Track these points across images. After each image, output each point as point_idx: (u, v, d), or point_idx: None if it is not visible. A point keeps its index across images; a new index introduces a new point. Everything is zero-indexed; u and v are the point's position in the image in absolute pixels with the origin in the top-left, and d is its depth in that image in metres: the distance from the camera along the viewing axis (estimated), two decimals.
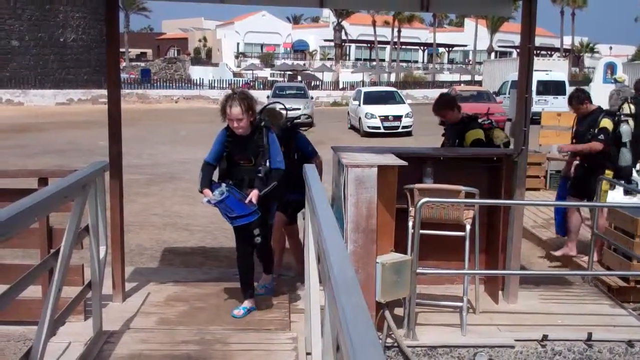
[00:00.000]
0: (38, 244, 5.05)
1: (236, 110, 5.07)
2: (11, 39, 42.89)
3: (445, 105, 6.83)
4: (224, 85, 44.66)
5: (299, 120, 7.12)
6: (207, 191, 5.20)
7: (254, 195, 5.10)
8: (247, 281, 5.51)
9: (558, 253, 7.47)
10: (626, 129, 6.97)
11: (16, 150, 18.14)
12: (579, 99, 7.12)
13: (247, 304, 5.46)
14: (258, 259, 5.66)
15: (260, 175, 5.19)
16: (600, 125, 6.83)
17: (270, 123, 5.40)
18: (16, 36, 42.98)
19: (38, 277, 4.27)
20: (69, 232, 4.13)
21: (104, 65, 6.35)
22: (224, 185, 5.19)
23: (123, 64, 59.84)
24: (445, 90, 26.62)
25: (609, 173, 6.82)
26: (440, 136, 7.10)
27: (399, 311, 5.26)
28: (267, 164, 5.20)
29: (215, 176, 5.36)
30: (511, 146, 6.34)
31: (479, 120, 6.70)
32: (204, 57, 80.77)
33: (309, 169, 4.71)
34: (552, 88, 28.39)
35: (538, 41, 5.59)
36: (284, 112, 6.44)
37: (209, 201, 5.15)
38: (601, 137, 6.79)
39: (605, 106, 16.03)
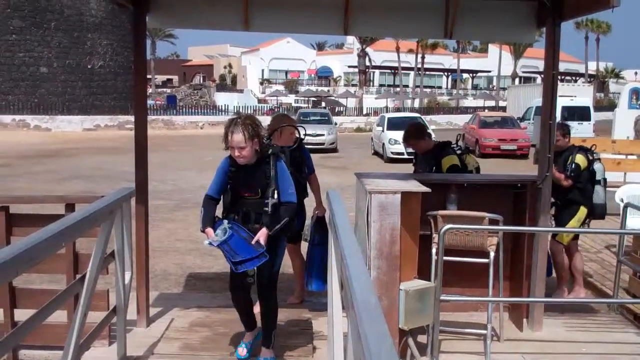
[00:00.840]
0: (64, 269, 5.11)
1: (238, 137, 4.54)
2: (40, 66, 43.64)
3: (415, 134, 6.84)
4: (249, 112, 44.99)
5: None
6: (209, 231, 4.65)
7: (262, 235, 4.59)
8: (247, 316, 5.15)
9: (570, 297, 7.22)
10: (599, 167, 6.84)
11: (44, 176, 18.38)
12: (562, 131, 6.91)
13: (248, 337, 5.18)
14: (261, 313, 5.10)
15: (267, 209, 4.66)
16: (574, 161, 6.68)
17: (278, 149, 4.91)
18: (45, 63, 43.72)
19: (64, 302, 4.32)
20: (95, 257, 4.18)
21: (131, 92, 6.45)
22: (226, 222, 4.66)
23: (149, 90, 60.54)
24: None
25: (582, 210, 6.66)
26: (412, 165, 7.13)
27: (422, 338, 5.23)
28: (276, 196, 4.68)
29: (220, 211, 4.90)
30: (482, 171, 6.71)
31: (452, 146, 6.64)
32: (230, 84, 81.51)
33: (333, 194, 4.72)
34: (576, 114, 28.20)
35: (562, 67, 5.56)
36: (296, 134, 6.19)
37: (210, 243, 4.62)
38: (572, 174, 6.63)
39: (631, 132, 15.94)
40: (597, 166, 6.79)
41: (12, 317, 5.12)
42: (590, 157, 6.76)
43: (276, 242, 4.79)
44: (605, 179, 6.88)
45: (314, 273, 6.15)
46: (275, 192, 4.67)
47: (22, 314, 4.95)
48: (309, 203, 6.31)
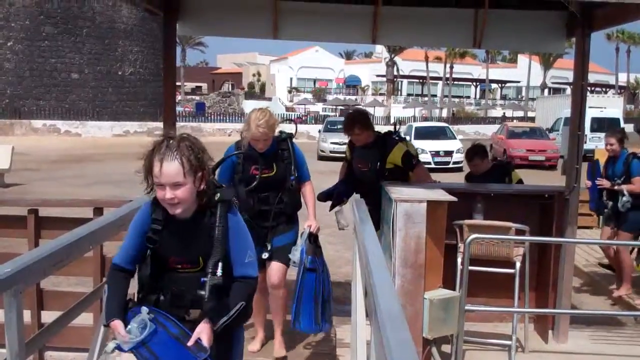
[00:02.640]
0: (91, 271, 5.17)
1: (172, 168, 2.73)
2: (71, 72, 44.26)
3: (363, 122, 5.96)
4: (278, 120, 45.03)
5: (340, 148, 7.17)
6: (116, 325, 2.85)
7: (203, 331, 2.80)
8: None
9: (618, 294, 7.30)
10: None
11: (73, 180, 18.61)
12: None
13: None
14: None
15: (204, 293, 2.80)
16: None
17: (232, 195, 3.00)
18: (76, 69, 44.35)
19: (90, 305, 4.37)
20: None
21: (160, 98, 6.51)
22: (145, 311, 2.85)
23: (179, 97, 61.08)
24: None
25: None
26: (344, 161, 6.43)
27: (446, 348, 5.21)
28: (220, 271, 2.81)
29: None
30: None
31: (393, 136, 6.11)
32: (258, 92, 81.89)
33: (357, 201, 4.73)
34: (606, 125, 27.89)
35: (592, 78, 5.53)
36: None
37: (118, 347, 2.84)
38: None
39: None
40: None
41: (39, 318, 5.19)
42: None
43: (227, 339, 2.99)
44: None
45: (304, 307, 4.89)
46: (220, 264, 2.82)
47: (48, 316, 5.02)
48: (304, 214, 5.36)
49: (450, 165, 24.45)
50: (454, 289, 5.17)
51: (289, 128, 5.36)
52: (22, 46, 42.62)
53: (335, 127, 30.35)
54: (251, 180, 4.83)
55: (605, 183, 7.16)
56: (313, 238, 5.03)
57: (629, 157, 7.06)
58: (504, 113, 59.98)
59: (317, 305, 4.91)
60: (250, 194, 4.81)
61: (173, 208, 2.80)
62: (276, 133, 5.00)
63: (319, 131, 29.70)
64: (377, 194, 5.63)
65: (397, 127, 6.70)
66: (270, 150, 4.95)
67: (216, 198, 2.89)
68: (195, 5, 5.82)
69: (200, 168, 2.81)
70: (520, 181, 6.52)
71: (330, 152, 27.10)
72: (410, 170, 5.87)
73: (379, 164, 5.83)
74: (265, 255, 4.99)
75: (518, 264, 5.25)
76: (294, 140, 5.21)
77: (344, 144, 30.49)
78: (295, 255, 4.94)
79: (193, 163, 2.77)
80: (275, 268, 5.08)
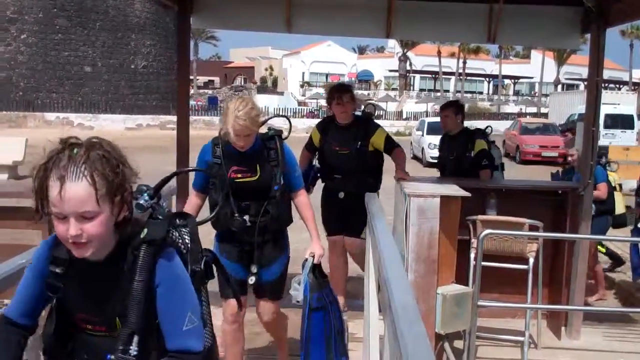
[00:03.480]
0: None
1: (77, 190, 1.86)
2: (84, 65, 44.43)
3: (351, 92, 5.90)
4: (289, 114, 45.13)
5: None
6: None
7: None
8: None
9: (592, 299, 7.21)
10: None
11: None
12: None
13: None
14: None
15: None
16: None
17: (162, 233, 2.04)
18: (89, 62, 44.52)
19: None
20: None
21: (173, 92, 6.54)
22: None
23: (191, 91, 61.19)
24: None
25: None
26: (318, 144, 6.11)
27: (458, 344, 5.20)
28: (134, 345, 1.96)
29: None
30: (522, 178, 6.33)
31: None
32: (270, 86, 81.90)
33: (370, 196, 4.72)
34: (620, 122, 27.75)
35: (606, 74, 5.46)
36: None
37: None
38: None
39: None
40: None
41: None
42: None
43: None
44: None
45: (313, 349, 4.19)
46: (135, 337, 1.96)
47: None
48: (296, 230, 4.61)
49: None
50: (466, 284, 5.15)
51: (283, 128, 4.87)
52: (35, 39, 42.81)
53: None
54: (231, 184, 4.03)
55: None
56: (317, 269, 4.19)
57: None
58: (521, 109, 59.58)
59: (330, 343, 4.24)
60: (227, 202, 4.01)
61: (80, 250, 1.90)
62: (263, 130, 4.14)
63: None
64: (358, 178, 5.73)
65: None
66: (254, 149, 4.01)
67: (142, 235, 1.99)
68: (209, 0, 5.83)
69: (120, 189, 1.92)
70: (483, 151, 6.21)
71: None
72: (390, 150, 5.82)
73: (360, 143, 5.72)
74: (251, 280, 4.18)
75: (531, 260, 5.23)
76: (286, 140, 4.40)
77: None
78: (298, 294, 4.14)
79: (110, 181, 1.89)
80: (266, 308, 4.36)
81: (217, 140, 4.13)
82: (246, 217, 4.08)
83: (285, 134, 4.23)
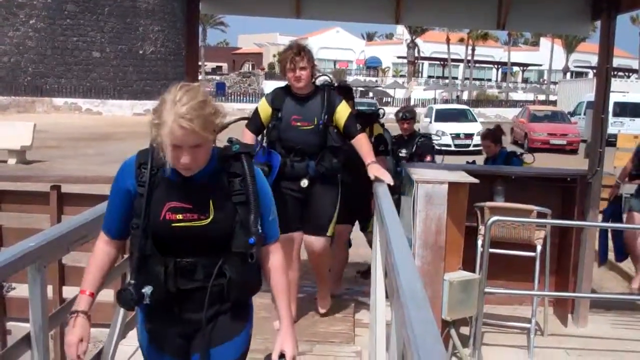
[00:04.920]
0: None
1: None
2: (93, 50, 44.39)
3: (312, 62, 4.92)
4: None
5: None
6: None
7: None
8: None
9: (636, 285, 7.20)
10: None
11: (94, 158, 18.73)
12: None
13: None
14: None
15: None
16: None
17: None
18: (97, 48, 44.47)
19: (112, 281, 4.40)
20: None
21: (181, 78, 6.49)
22: None
23: (199, 77, 61.08)
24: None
25: None
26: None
27: (464, 330, 5.21)
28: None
29: None
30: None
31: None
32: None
33: (379, 185, 4.72)
34: (629, 110, 27.62)
35: (615, 62, 5.40)
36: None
37: None
38: None
39: None
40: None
41: (60, 294, 5.25)
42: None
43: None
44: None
45: None
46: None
47: (70, 291, 5.08)
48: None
49: (471, 148, 24.35)
50: (473, 271, 5.16)
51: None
52: (44, 24, 42.79)
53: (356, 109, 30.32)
54: (164, 231, 2.44)
55: None
56: None
57: (510, 156, 6.95)
58: (537, 97, 59.17)
59: None
60: (161, 257, 2.46)
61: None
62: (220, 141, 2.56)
63: None
64: (326, 158, 4.81)
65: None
66: (206, 174, 2.45)
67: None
68: None
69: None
70: (380, 136, 5.84)
71: None
72: (351, 135, 4.81)
73: (326, 117, 4.74)
74: None
75: (539, 247, 5.23)
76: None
77: None
78: None
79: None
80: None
81: (146, 156, 2.49)
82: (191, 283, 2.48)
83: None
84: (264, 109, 4.83)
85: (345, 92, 5.53)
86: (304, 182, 4.78)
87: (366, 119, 5.86)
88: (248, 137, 4.81)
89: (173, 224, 2.42)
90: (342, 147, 4.86)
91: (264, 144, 4.88)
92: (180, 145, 2.26)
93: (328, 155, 4.81)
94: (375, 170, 4.66)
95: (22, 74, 42.29)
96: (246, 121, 4.93)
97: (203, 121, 2.27)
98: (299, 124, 4.74)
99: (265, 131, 4.87)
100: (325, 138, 4.76)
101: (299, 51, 4.62)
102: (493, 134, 7.13)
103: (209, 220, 2.43)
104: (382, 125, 6.11)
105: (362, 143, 4.79)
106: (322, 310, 5.45)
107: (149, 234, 2.42)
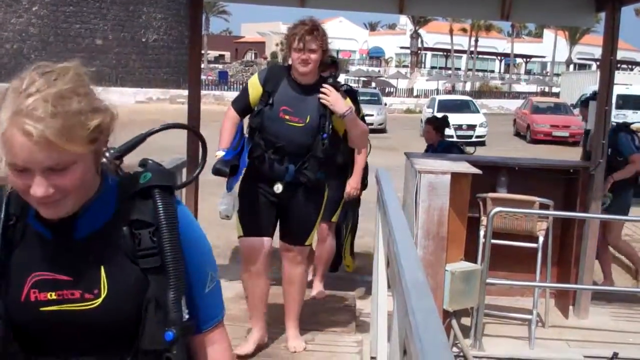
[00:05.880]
0: None
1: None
2: (95, 38, 44.32)
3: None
4: None
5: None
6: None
7: None
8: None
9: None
10: None
11: None
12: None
13: None
14: None
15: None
16: None
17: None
18: (100, 35, 44.40)
19: None
20: None
21: (183, 66, 6.51)
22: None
23: (202, 66, 61.04)
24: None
25: None
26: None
27: (466, 321, 5.22)
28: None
29: None
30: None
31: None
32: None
33: (382, 173, 4.72)
34: (632, 102, 27.53)
35: (619, 54, 5.36)
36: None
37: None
38: None
39: None
40: None
41: None
42: None
43: None
44: None
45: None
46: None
47: None
48: None
49: (473, 139, 24.33)
50: (475, 262, 5.16)
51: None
52: (47, 11, 42.72)
53: (358, 98, 30.31)
54: (29, 318, 1.45)
55: None
56: None
57: (450, 147, 6.99)
58: (543, 89, 58.98)
59: None
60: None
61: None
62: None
63: None
64: (309, 164, 4.07)
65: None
66: (97, 221, 1.47)
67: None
68: None
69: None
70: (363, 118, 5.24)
71: None
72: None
73: (321, 118, 4.01)
74: None
75: (541, 239, 5.24)
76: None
77: (367, 115, 29.51)
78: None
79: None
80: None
81: None
82: None
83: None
84: (255, 87, 4.08)
85: (349, 96, 4.44)
86: (278, 187, 4.07)
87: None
88: (231, 116, 4.19)
89: (42, 308, 1.44)
90: (332, 156, 4.36)
91: (245, 133, 4.20)
92: (25, 166, 1.31)
93: (313, 164, 4.05)
94: (352, 184, 5.13)
95: (24, 61, 42.15)
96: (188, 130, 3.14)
97: (64, 124, 1.31)
98: (287, 117, 3.98)
99: (250, 115, 4.15)
100: (314, 142, 4.01)
101: (312, 29, 3.91)
102: (436, 121, 7.20)
103: (99, 301, 1.44)
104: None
105: (358, 151, 4.71)
106: (293, 350, 4.48)
107: (6, 323, 1.44)
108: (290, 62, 4.09)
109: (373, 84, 54.21)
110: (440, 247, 4.95)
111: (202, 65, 62.65)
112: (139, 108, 36.08)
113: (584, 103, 6.97)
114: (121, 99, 39.35)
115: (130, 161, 1.71)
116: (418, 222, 4.94)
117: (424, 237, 4.95)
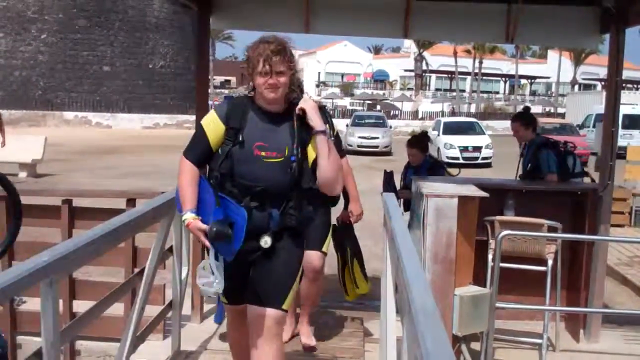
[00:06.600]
0: (123, 262, 5.22)
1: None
2: (103, 65, 44.67)
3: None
4: None
5: (367, 142, 4.78)
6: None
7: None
8: None
9: None
10: None
11: (104, 171, 18.79)
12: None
13: None
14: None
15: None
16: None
17: None
18: (108, 62, 44.76)
19: (123, 295, 4.42)
20: (154, 252, 4.26)
21: (189, 92, 6.53)
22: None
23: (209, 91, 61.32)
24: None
25: None
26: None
27: (475, 345, 5.18)
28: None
29: None
30: None
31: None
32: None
33: (388, 196, 4.71)
34: (638, 122, 27.52)
35: (624, 74, 5.35)
36: None
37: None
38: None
39: None
40: None
41: (71, 308, 5.26)
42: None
43: None
44: None
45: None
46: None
47: (79, 305, 5.09)
48: None
49: (479, 161, 24.31)
50: (484, 285, 5.14)
51: None
52: (55, 39, 43.11)
53: (363, 122, 30.47)
54: None
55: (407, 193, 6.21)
56: None
57: (435, 165, 6.61)
58: (550, 110, 58.99)
59: None
60: None
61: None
62: None
63: (347, 125, 29.68)
64: (297, 204, 3.39)
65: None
66: None
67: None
68: (229, 0, 5.85)
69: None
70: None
71: (358, 146, 27.10)
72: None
73: (300, 150, 3.33)
74: None
75: (550, 262, 5.21)
76: None
77: (372, 137, 29.05)
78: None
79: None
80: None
81: None
82: None
83: None
84: (215, 126, 3.36)
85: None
86: (265, 241, 3.33)
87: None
88: (187, 170, 3.36)
89: None
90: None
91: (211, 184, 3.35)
92: None
93: (299, 200, 3.40)
94: (353, 207, 4.97)
95: (33, 88, 42.56)
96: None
97: None
98: (263, 153, 3.30)
99: (212, 162, 3.39)
100: (298, 176, 3.34)
101: (278, 48, 3.29)
102: (421, 142, 6.65)
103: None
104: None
105: (348, 182, 4.56)
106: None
107: None
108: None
109: (378, 107, 54.36)
110: (449, 270, 4.92)
111: (209, 91, 63.05)
112: (146, 134, 36.29)
113: (513, 119, 6.88)
114: (129, 124, 39.70)
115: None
116: (426, 246, 4.92)
117: (432, 260, 4.92)
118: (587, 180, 6.24)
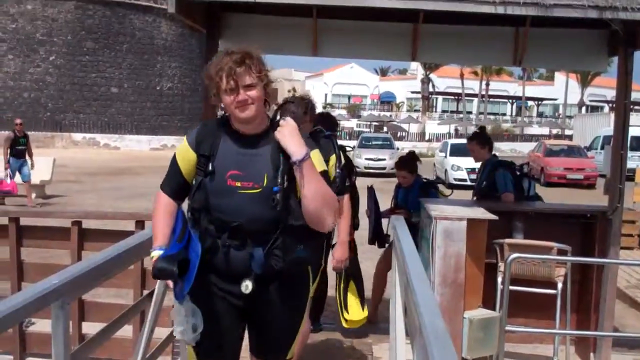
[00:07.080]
0: (132, 284, 5.22)
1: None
2: (111, 86, 44.92)
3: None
4: None
5: (374, 164, 4.62)
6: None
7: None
8: None
9: None
10: None
11: (112, 193, 18.84)
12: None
13: None
14: None
15: None
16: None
17: None
18: (115, 84, 44.99)
19: (133, 317, 4.41)
20: None
21: (197, 113, 6.55)
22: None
23: (216, 113, 61.49)
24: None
25: None
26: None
27: None
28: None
29: None
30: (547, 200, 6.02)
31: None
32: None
33: (397, 220, 4.71)
34: None
35: (632, 96, 5.36)
36: None
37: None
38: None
39: None
40: None
41: (80, 330, 5.26)
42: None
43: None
44: None
45: None
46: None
47: (89, 327, 5.09)
48: None
49: None
50: (493, 308, 5.11)
51: None
52: (63, 61, 43.40)
53: (370, 143, 30.55)
54: None
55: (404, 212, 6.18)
56: None
57: (427, 186, 6.58)
58: (551, 131, 58.98)
59: None
60: None
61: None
62: None
63: (353, 147, 29.73)
64: (284, 242, 2.88)
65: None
66: None
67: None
68: (237, 23, 5.89)
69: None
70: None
71: (365, 167, 27.10)
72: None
73: (284, 178, 2.82)
74: None
75: (560, 285, 5.19)
76: None
77: (379, 159, 28.94)
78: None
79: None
80: None
81: None
82: None
83: None
84: (186, 155, 2.99)
85: (327, 124, 4.27)
86: (246, 286, 2.86)
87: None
88: (163, 203, 3.06)
89: None
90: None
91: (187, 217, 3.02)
92: None
93: (288, 240, 2.88)
94: (338, 253, 4.48)
95: (41, 110, 42.78)
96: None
97: None
98: (238, 184, 2.84)
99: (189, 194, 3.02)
100: (282, 210, 2.81)
101: (242, 58, 2.78)
102: (410, 164, 6.62)
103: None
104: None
105: (340, 222, 4.10)
106: None
107: None
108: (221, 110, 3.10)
109: (385, 129, 54.45)
110: (458, 293, 4.91)
111: (217, 112, 63.18)
112: (154, 155, 36.39)
113: (469, 138, 6.92)
114: (137, 146, 39.86)
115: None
116: (435, 269, 4.92)
117: (441, 284, 4.91)
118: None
